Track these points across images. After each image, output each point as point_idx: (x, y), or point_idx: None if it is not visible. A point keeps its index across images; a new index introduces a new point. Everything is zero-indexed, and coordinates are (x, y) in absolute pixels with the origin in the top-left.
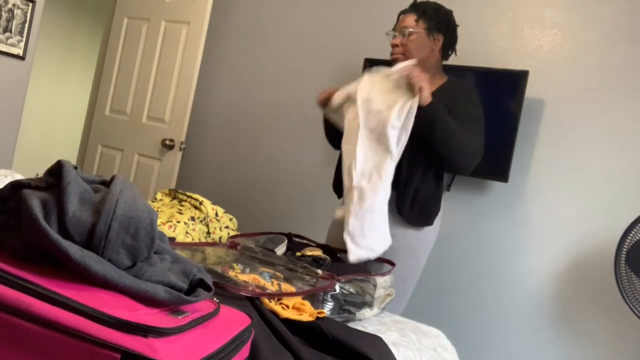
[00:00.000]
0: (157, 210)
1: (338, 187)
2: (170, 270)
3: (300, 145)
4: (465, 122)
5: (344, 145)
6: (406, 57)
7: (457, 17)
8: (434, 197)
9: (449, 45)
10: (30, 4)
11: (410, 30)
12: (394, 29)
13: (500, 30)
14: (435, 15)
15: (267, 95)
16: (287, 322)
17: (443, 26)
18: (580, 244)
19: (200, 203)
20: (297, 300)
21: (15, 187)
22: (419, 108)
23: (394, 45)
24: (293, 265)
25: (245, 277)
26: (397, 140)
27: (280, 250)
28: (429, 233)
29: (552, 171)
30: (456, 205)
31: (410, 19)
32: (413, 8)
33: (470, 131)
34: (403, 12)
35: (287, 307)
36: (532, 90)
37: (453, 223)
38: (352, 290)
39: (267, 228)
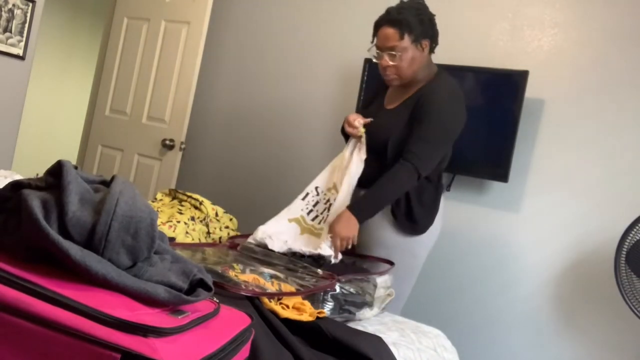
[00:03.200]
0: (157, 210)
1: None
2: (170, 270)
3: (300, 145)
4: (426, 126)
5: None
6: (400, 76)
7: (457, 17)
8: (428, 209)
9: (434, 42)
10: (30, 4)
11: (400, 52)
12: (376, 46)
13: (500, 30)
14: (418, 24)
15: (267, 95)
16: (287, 322)
17: (428, 31)
18: (580, 244)
19: (200, 203)
20: (297, 300)
21: (15, 187)
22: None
23: (384, 67)
24: (293, 265)
25: (245, 277)
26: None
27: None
28: (427, 233)
29: (552, 171)
30: (456, 205)
31: (394, 36)
32: (393, 22)
33: (426, 140)
34: (380, 25)
35: (287, 307)
36: (532, 90)
37: (453, 223)
38: (352, 290)
39: None
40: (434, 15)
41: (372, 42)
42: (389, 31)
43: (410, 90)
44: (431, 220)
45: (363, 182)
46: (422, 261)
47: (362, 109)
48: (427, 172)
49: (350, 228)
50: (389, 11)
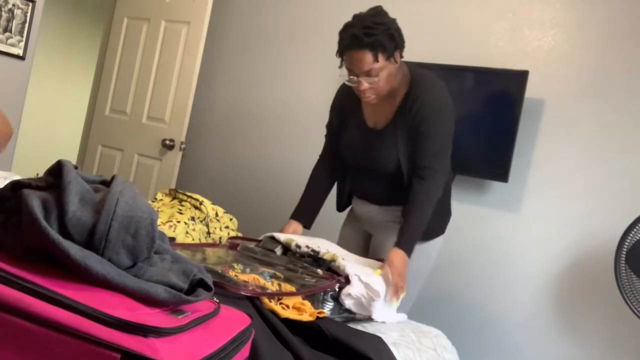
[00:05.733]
0: (157, 210)
1: (339, 204)
2: (170, 270)
3: (300, 145)
4: (434, 139)
5: None
6: (379, 96)
7: (457, 17)
8: (443, 211)
9: (403, 48)
10: (30, 4)
11: (377, 74)
12: (349, 69)
13: (500, 30)
14: (389, 40)
15: (266, 95)
16: (287, 322)
17: (399, 43)
18: (580, 244)
19: (201, 203)
20: (297, 300)
21: (16, 187)
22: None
23: (362, 91)
24: (293, 265)
25: (245, 277)
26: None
27: (280, 250)
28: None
29: (552, 171)
30: (456, 205)
31: (368, 59)
32: (365, 46)
33: (439, 152)
34: (350, 50)
35: (287, 307)
36: (532, 90)
37: (453, 223)
38: None
39: (267, 228)
40: (395, 20)
41: (340, 67)
42: (362, 55)
43: (393, 103)
44: (448, 220)
45: (376, 199)
46: (433, 263)
47: (337, 129)
48: (446, 179)
49: (405, 269)
50: (355, 35)
